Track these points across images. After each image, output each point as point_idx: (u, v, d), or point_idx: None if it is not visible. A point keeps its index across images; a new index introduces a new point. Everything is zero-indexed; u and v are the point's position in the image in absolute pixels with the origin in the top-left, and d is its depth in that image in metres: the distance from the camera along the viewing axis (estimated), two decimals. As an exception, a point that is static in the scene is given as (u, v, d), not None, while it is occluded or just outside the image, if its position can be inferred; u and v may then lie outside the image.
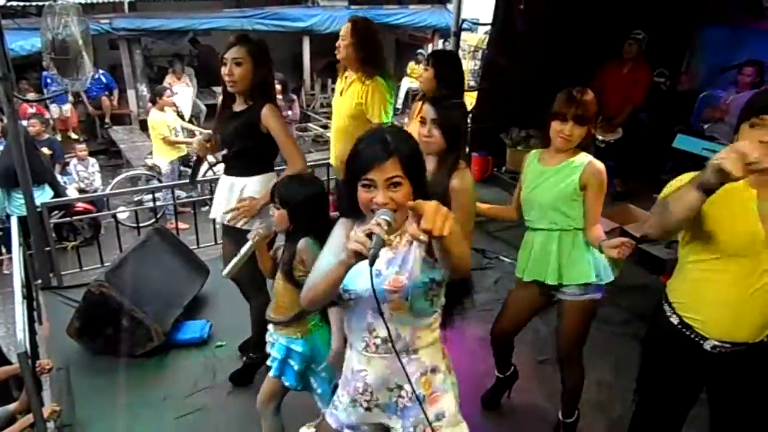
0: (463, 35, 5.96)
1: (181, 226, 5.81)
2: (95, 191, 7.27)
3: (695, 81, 5.89)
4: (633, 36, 4.90)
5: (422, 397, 1.60)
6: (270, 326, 2.30)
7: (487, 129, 5.44)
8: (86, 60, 3.61)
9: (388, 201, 1.42)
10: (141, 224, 5.04)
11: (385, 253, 1.53)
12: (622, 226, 4.15)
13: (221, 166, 3.04)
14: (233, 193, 2.68)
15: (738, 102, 4.85)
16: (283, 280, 2.20)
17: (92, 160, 7.62)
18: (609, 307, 3.70)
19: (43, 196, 5.31)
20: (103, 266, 3.91)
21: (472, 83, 7.55)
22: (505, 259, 4.27)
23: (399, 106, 10.94)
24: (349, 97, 3.19)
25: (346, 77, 3.27)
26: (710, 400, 2.01)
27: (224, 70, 2.55)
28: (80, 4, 4.00)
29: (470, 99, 5.18)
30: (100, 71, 9.66)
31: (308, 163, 4.01)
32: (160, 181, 7.13)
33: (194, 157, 2.88)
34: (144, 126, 8.23)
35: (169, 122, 7.11)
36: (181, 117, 8.38)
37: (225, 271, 2.25)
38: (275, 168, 2.82)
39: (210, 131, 2.91)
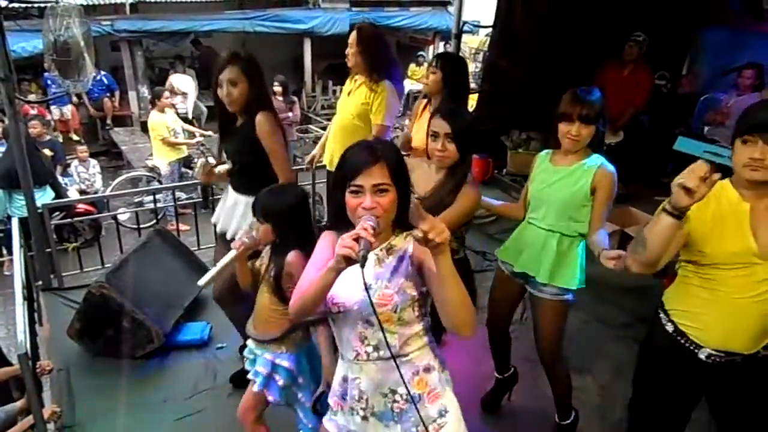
0: (464, 37, 5.98)
1: (182, 227, 5.81)
2: (96, 192, 7.29)
3: (696, 83, 5.89)
4: (633, 38, 4.90)
5: (419, 397, 1.61)
6: (250, 342, 2.25)
7: (487, 131, 5.43)
8: (88, 62, 3.62)
9: (375, 206, 1.45)
10: (142, 226, 5.05)
11: (373, 268, 1.56)
12: (622, 229, 4.15)
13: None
14: (236, 210, 2.70)
15: (739, 105, 4.85)
16: (269, 294, 2.16)
17: (93, 162, 7.64)
18: (610, 310, 3.70)
19: (45, 197, 5.32)
20: (104, 268, 3.91)
21: (473, 85, 7.54)
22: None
23: (400, 108, 10.94)
24: (356, 97, 3.27)
25: (355, 79, 3.33)
26: (710, 409, 2.00)
27: (221, 93, 2.57)
28: (82, 5, 4.01)
29: (471, 101, 5.18)
30: (102, 72, 9.68)
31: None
32: (160, 182, 7.14)
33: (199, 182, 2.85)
34: (145, 127, 8.25)
35: (169, 124, 7.12)
36: (184, 119, 8.42)
37: (202, 280, 2.13)
38: None
39: (204, 159, 2.90)
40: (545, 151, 2.49)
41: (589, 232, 2.30)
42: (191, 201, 5.88)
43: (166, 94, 7.40)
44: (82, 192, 7.20)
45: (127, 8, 10.15)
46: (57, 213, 4.97)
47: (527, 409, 2.91)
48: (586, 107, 2.20)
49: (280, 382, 2.17)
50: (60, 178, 6.61)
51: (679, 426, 2.02)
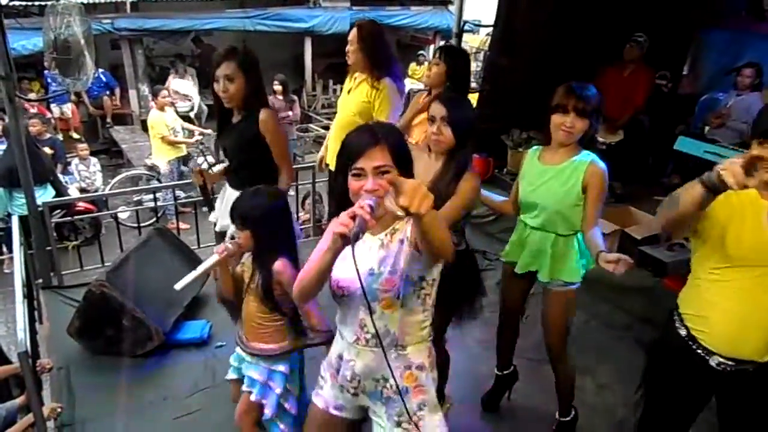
0: (465, 37, 5.97)
1: (182, 226, 5.81)
2: (96, 191, 7.29)
3: (697, 84, 5.89)
4: (634, 39, 4.90)
5: (405, 390, 1.65)
6: (240, 350, 2.22)
7: (488, 130, 5.43)
8: (88, 60, 3.62)
9: (377, 187, 1.43)
10: (142, 224, 5.04)
11: (377, 252, 1.57)
12: (623, 229, 4.15)
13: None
14: None
15: (738, 105, 4.86)
16: (256, 303, 2.11)
17: (94, 160, 7.63)
18: (611, 310, 3.70)
19: (45, 195, 5.32)
20: (104, 266, 3.91)
21: (473, 84, 7.54)
22: (506, 261, 4.27)
23: (402, 106, 10.93)
24: (357, 95, 3.24)
25: (355, 77, 3.30)
26: (719, 414, 1.99)
27: (217, 87, 2.56)
28: (82, 3, 4.01)
29: (471, 100, 5.18)
30: (100, 70, 9.67)
31: (309, 164, 4.03)
32: (159, 181, 7.14)
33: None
34: (145, 126, 8.26)
35: (168, 122, 7.12)
36: (186, 117, 8.42)
37: (179, 284, 2.05)
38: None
39: (195, 161, 2.90)
40: (535, 147, 2.48)
41: (583, 231, 2.28)
42: (191, 200, 5.88)
43: (164, 92, 7.40)
44: (82, 190, 7.21)
45: (128, 6, 10.16)
46: (57, 211, 4.97)
47: (527, 408, 2.91)
48: (581, 100, 2.18)
49: (277, 390, 2.14)
50: (60, 177, 6.61)
51: (685, 427, 2.02)
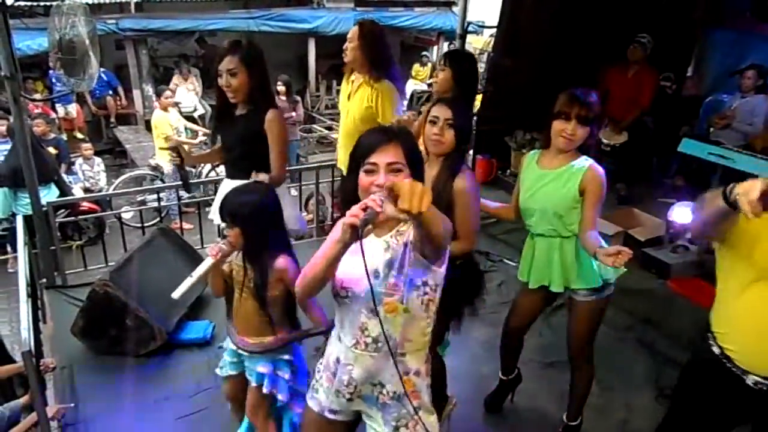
0: (469, 38, 5.96)
1: (186, 226, 5.81)
2: (100, 191, 7.31)
3: (701, 85, 5.88)
4: (638, 39, 4.89)
5: (402, 395, 1.65)
6: (232, 345, 2.21)
7: (491, 132, 5.43)
8: (93, 60, 3.63)
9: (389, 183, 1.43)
10: (145, 224, 5.06)
11: (383, 254, 1.56)
12: (626, 230, 4.14)
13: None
14: None
15: (743, 107, 4.84)
16: (253, 301, 2.08)
17: (98, 160, 7.66)
18: (613, 312, 3.68)
19: (49, 195, 5.34)
20: (108, 266, 3.92)
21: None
22: (509, 262, 4.26)
23: (404, 108, 10.92)
24: (359, 101, 3.19)
25: (352, 81, 3.26)
26: None
27: (221, 82, 2.56)
28: (87, 4, 4.02)
29: (476, 101, 5.18)
30: (102, 70, 9.68)
31: (313, 164, 4.03)
32: (163, 181, 7.15)
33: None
34: (149, 126, 8.28)
35: (172, 122, 7.14)
36: (190, 118, 8.43)
37: (176, 292, 1.97)
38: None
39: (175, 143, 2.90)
40: (534, 151, 2.46)
41: (580, 234, 2.25)
42: (194, 200, 5.90)
43: (167, 93, 7.41)
44: (86, 190, 7.23)
45: (132, 7, 10.18)
46: (61, 211, 4.98)
47: (530, 410, 2.91)
48: (584, 108, 2.17)
49: (286, 376, 2.15)
50: (64, 176, 6.64)
51: None
